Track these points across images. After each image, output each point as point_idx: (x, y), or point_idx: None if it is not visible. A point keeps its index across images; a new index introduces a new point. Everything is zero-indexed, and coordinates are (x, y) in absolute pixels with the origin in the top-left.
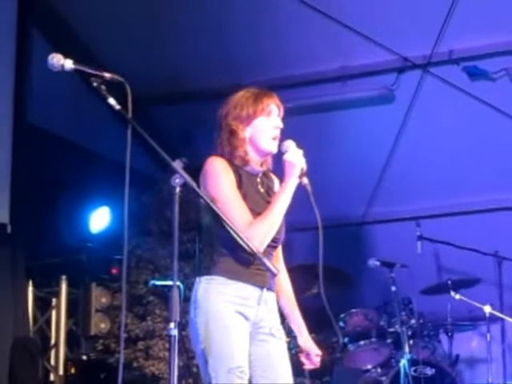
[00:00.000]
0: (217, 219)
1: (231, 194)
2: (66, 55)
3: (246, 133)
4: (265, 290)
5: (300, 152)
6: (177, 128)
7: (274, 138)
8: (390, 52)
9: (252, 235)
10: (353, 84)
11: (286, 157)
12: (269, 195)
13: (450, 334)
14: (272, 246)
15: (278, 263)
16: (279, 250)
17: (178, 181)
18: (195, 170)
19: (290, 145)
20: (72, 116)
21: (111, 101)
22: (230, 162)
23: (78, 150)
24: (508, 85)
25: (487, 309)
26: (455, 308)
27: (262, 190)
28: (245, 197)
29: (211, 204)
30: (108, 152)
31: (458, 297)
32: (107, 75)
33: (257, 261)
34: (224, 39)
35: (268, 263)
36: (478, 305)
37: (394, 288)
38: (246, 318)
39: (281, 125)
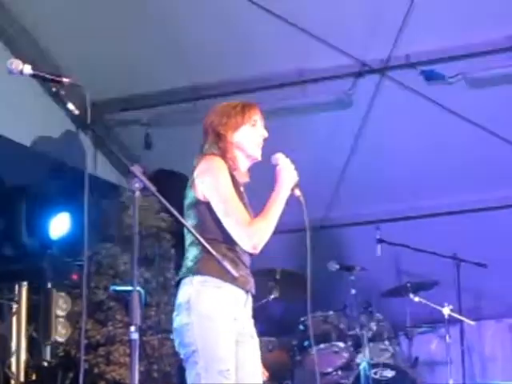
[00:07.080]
0: (211, 218)
1: (231, 191)
2: (21, 57)
3: (234, 138)
4: (249, 293)
5: (292, 165)
6: (135, 132)
7: (259, 145)
8: (347, 56)
9: (253, 232)
10: (309, 89)
11: (280, 168)
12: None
13: (409, 337)
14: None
15: None
16: None
17: (137, 185)
18: (156, 173)
19: (280, 157)
20: (31, 121)
21: (70, 106)
22: (225, 162)
23: (38, 155)
24: (464, 88)
25: (446, 311)
26: (415, 310)
27: (244, 201)
28: None
29: (171, 209)
30: (67, 158)
31: (417, 299)
32: (66, 80)
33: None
34: (178, 41)
35: (228, 266)
36: (437, 307)
37: (353, 291)
38: (236, 321)
39: (266, 134)
